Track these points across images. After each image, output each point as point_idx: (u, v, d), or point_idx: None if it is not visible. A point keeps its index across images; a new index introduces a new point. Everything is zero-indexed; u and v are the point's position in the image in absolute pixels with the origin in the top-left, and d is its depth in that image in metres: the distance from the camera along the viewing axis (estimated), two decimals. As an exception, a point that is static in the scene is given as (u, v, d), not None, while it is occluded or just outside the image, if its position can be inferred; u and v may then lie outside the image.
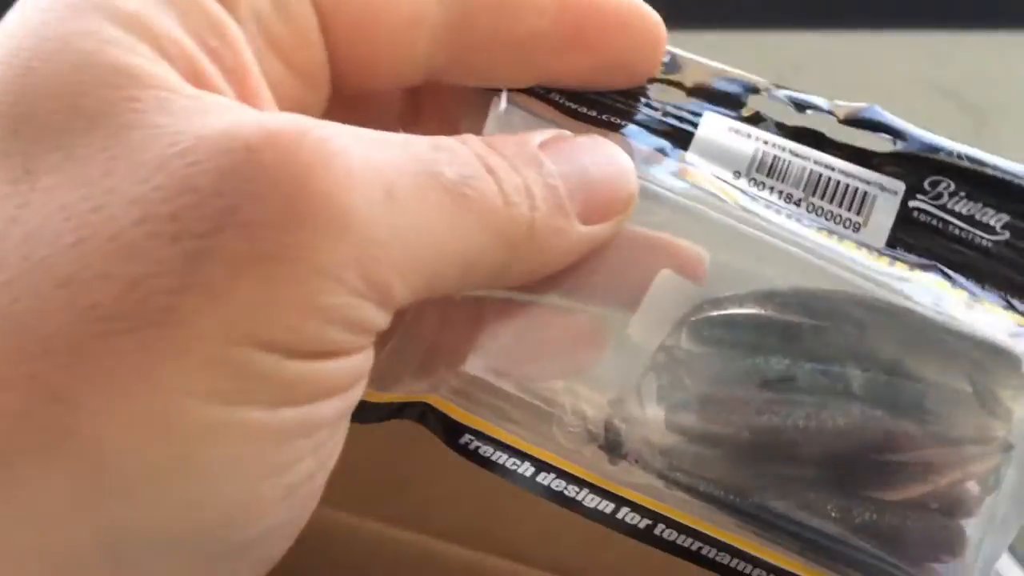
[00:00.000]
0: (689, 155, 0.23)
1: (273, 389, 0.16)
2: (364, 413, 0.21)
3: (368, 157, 0.17)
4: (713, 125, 0.24)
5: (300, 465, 0.17)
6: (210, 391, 0.15)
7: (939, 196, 0.23)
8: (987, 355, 0.22)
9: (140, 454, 0.15)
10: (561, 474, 0.22)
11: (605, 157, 0.21)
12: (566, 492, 0.22)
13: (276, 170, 0.16)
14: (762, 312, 0.22)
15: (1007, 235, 0.23)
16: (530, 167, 0.20)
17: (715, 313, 0.22)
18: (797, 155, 0.23)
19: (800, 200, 0.23)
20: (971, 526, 0.22)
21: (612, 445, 0.22)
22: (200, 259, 0.15)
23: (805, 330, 0.22)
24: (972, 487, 0.21)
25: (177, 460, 0.15)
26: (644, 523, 0.22)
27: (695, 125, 0.24)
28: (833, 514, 0.21)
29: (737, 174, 0.23)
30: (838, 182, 0.23)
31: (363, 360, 0.18)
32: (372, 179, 0.17)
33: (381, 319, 0.18)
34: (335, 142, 0.16)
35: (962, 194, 0.23)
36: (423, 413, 0.23)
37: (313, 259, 0.16)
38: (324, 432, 0.18)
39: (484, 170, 0.19)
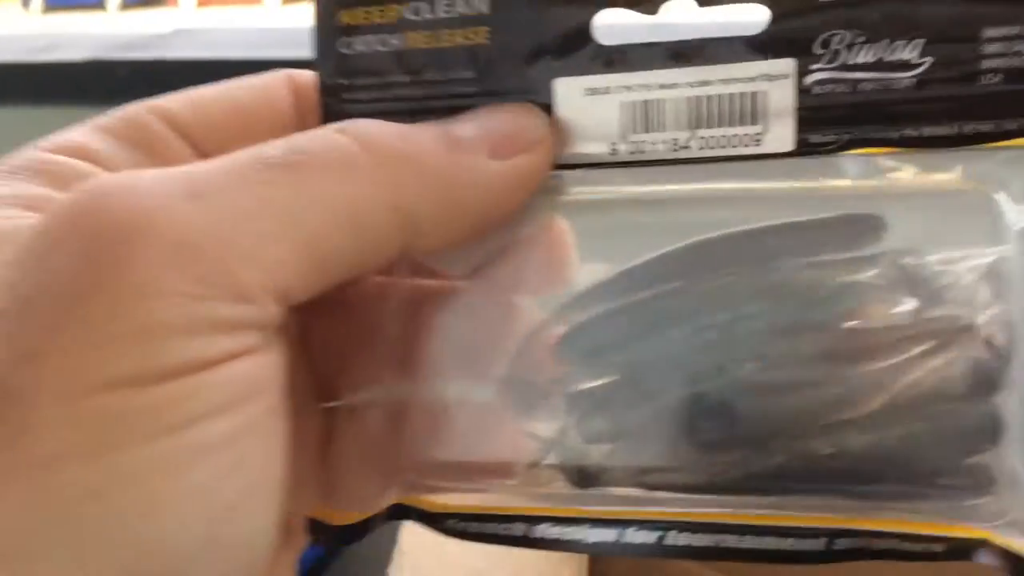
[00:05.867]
0: (556, 148, 0.21)
1: (140, 422, 0.16)
2: (344, 535, 0.22)
3: (160, 175, 0.17)
4: (569, 93, 0.21)
5: (222, 484, 0.17)
6: (78, 450, 0.16)
7: (836, 55, 0.20)
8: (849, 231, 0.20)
9: (37, 529, 0.15)
10: (556, 520, 0.21)
11: (506, 111, 0.21)
12: (563, 537, 0.21)
13: (70, 224, 0.17)
14: (611, 305, 0.21)
15: (929, 60, 0.19)
16: (413, 128, 0.20)
17: (575, 324, 0.22)
18: (666, 86, 0.21)
19: (688, 141, 0.21)
20: (1005, 405, 0.19)
21: (582, 477, 0.21)
22: (20, 332, 0.16)
23: (663, 297, 0.21)
24: (982, 360, 0.20)
25: (71, 527, 0.16)
26: (654, 536, 0.20)
27: (549, 109, 0.21)
28: (827, 449, 0.20)
29: (613, 147, 0.21)
30: (720, 99, 0.20)
31: (258, 363, 0.18)
32: (167, 190, 0.17)
33: (252, 312, 0.17)
34: (120, 179, 0.17)
35: (861, 40, 0.20)
36: (400, 512, 0.23)
37: (120, 285, 0.16)
38: (236, 448, 0.17)
39: (330, 139, 0.19)
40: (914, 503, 0.20)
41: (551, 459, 0.22)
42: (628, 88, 0.21)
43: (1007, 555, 0.19)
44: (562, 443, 0.22)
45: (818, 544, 0.20)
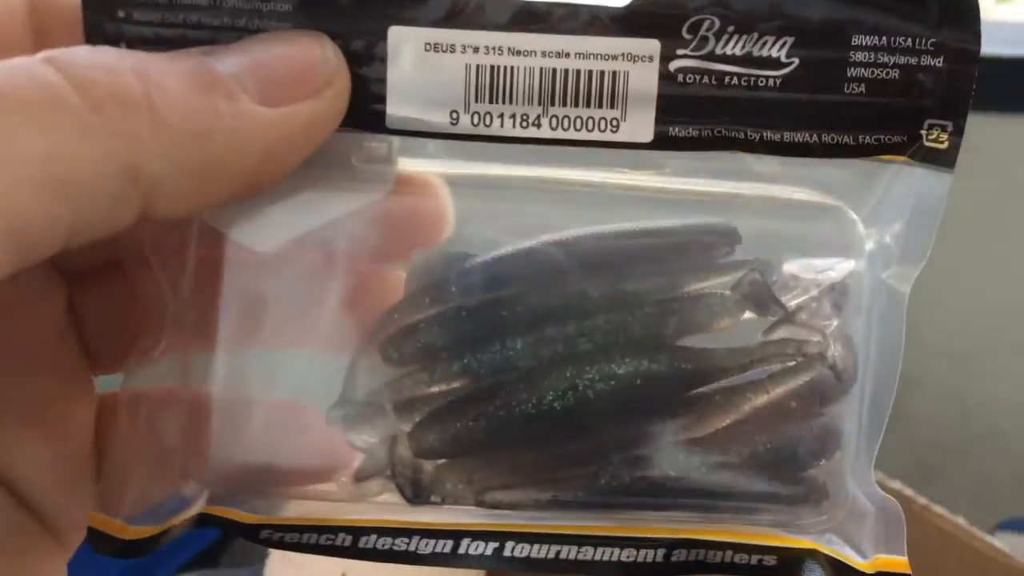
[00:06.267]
0: (391, 113, 0.18)
1: None
2: (131, 549, 0.19)
3: None
4: (404, 46, 0.18)
5: None
6: None
7: (704, 42, 0.18)
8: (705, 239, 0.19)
9: None
10: (384, 532, 0.19)
11: (288, 43, 0.17)
12: (395, 548, 0.19)
13: None
14: (445, 307, 0.19)
15: (795, 62, 0.18)
16: (159, 59, 0.16)
17: (394, 330, 0.19)
18: (520, 52, 0.18)
19: (539, 118, 0.18)
20: (841, 417, 0.20)
21: (416, 492, 0.20)
22: None
23: (504, 303, 0.19)
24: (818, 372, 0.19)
25: None
26: (491, 548, 0.19)
27: (383, 62, 0.18)
28: (671, 471, 0.19)
29: (455, 115, 0.18)
30: (577, 74, 0.18)
31: None
32: None
33: None
34: None
35: (730, 28, 0.18)
36: (202, 520, 0.20)
37: None
38: None
39: (33, 72, 0.14)
40: (751, 516, 0.20)
41: (379, 469, 0.20)
42: (475, 49, 0.18)
43: (834, 564, 0.19)
44: (392, 453, 0.20)
45: (657, 555, 0.19)
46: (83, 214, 0.14)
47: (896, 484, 0.53)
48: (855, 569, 0.19)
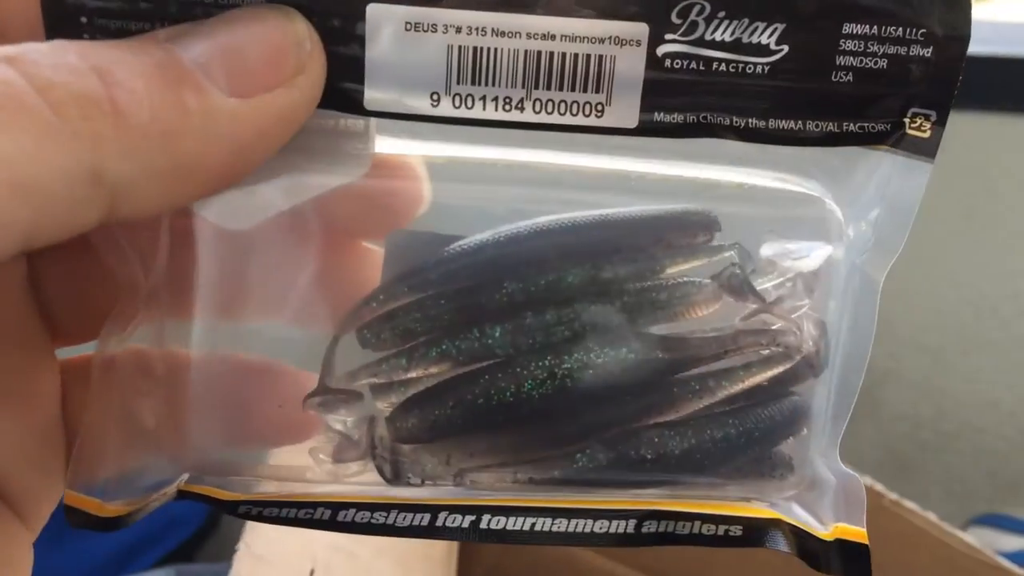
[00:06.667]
0: (369, 94, 0.17)
1: None
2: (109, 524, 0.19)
3: None
4: (383, 24, 0.17)
5: None
6: None
7: (694, 27, 0.18)
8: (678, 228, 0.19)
9: None
10: (363, 507, 0.19)
11: (258, 23, 0.16)
12: (374, 522, 0.19)
13: None
14: (423, 294, 0.19)
15: (785, 49, 0.18)
16: (122, 52, 0.15)
17: (371, 318, 0.19)
18: (504, 34, 0.18)
19: (523, 101, 0.18)
20: (811, 394, 0.20)
21: (395, 473, 0.19)
22: None
23: (483, 291, 0.19)
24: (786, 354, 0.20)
25: None
26: (468, 520, 0.19)
27: (362, 42, 0.17)
28: (647, 454, 0.19)
29: (435, 97, 0.18)
30: (563, 57, 0.18)
31: None
32: None
33: None
34: None
35: (721, 14, 0.18)
36: (180, 495, 0.20)
37: None
38: None
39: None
40: (720, 491, 0.20)
41: (358, 451, 0.20)
42: (458, 29, 0.17)
43: (796, 532, 0.20)
44: (372, 435, 0.20)
45: (628, 526, 0.19)
46: (43, 218, 0.14)
47: (867, 480, 0.53)
48: (815, 536, 0.20)
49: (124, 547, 0.69)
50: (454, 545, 0.48)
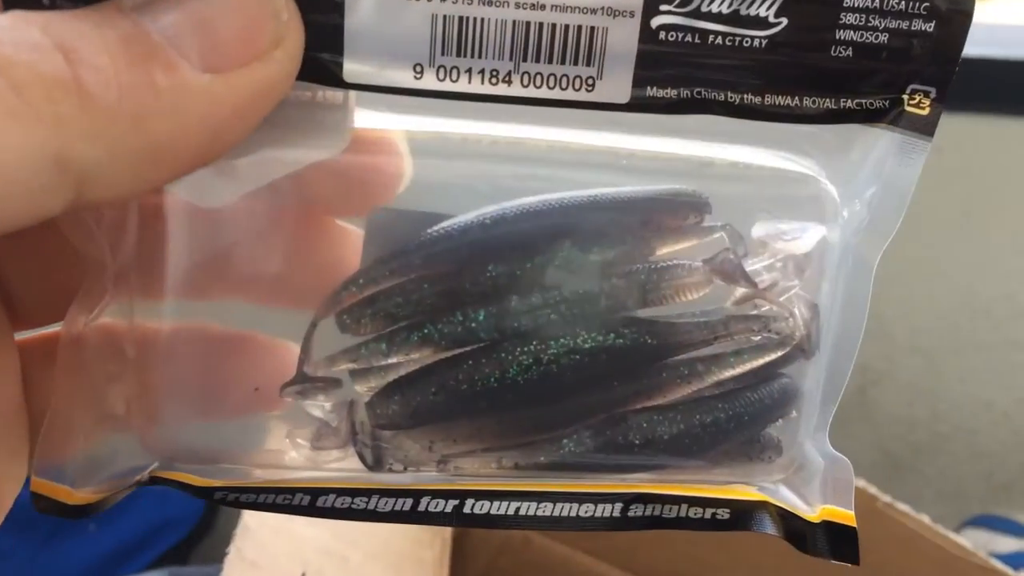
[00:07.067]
0: (348, 66, 0.17)
1: None
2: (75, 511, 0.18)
3: None
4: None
5: None
6: None
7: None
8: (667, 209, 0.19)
9: None
10: (343, 492, 0.19)
11: None
12: (355, 507, 0.19)
13: None
14: (405, 278, 0.19)
15: (784, 22, 0.17)
16: (87, 26, 0.14)
17: (351, 303, 0.19)
18: (491, 3, 0.17)
19: (510, 74, 0.17)
20: (801, 376, 0.20)
21: (376, 459, 0.19)
22: None
23: (466, 274, 0.18)
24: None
25: None
26: (451, 505, 0.19)
27: (341, 10, 0.16)
28: (636, 439, 0.19)
29: (419, 69, 0.17)
30: (553, 28, 0.17)
31: None
32: None
33: None
34: None
35: (717, -16, 0.17)
36: (152, 481, 0.19)
37: None
38: None
39: None
40: (708, 474, 0.20)
41: (337, 438, 0.19)
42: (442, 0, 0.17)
43: (783, 514, 0.19)
44: (352, 421, 0.19)
45: (614, 510, 0.19)
46: (5, 205, 0.13)
47: (860, 482, 0.53)
48: (802, 518, 0.19)
49: (117, 549, 0.69)
50: (447, 549, 0.47)
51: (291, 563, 0.36)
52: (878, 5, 0.17)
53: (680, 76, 0.17)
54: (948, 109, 0.18)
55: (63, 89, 0.13)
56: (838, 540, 0.19)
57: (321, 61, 0.17)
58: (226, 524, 0.69)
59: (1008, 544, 0.72)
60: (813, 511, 0.19)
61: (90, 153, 0.13)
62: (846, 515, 0.19)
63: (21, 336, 0.19)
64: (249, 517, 0.36)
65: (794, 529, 0.19)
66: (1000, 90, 0.72)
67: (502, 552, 0.53)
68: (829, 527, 0.19)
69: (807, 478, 0.20)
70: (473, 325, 0.18)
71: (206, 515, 0.74)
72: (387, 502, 0.18)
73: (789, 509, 0.19)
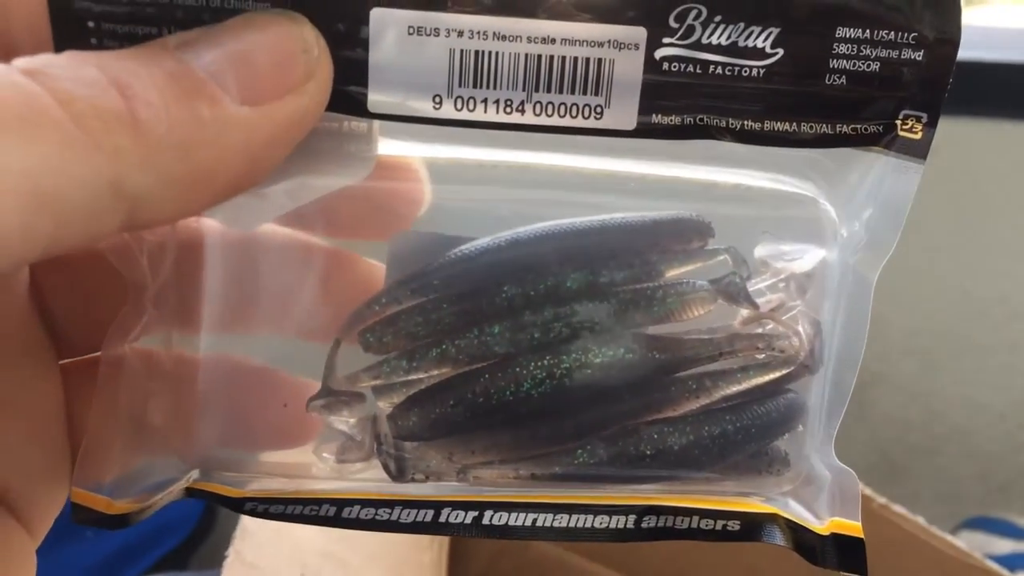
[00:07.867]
0: (372, 97, 0.18)
1: None
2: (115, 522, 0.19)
3: None
4: (386, 29, 0.18)
5: None
6: None
7: (691, 31, 0.18)
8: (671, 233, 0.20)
9: None
10: (367, 503, 0.20)
11: (266, 30, 0.17)
12: (377, 518, 0.20)
13: None
14: (425, 298, 0.20)
15: (780, 53, 0.18)
16: (137, 64, 0.15)
17: (373, 321, 0.20)
18: (505, 37, 0.18)
19: (523, 104, 0.18)
20: (807, 391, 0.21)
21: (399, 469, 0.20)
22: None
23: (484, 295, 0.20)
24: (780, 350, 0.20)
25: None
26: (471, 516, 0.19)
27: (365, 45, 0.18)
28: (647, 450, 0.20)
29: (438, 100, 0.18)
30: (563, 60, 0.18)
31: None
32: None
33: None
34: None
35: (717, 18, 0.18)
36: (188, 493, 0.20)
37: None
38: None
39: (12, 84, 0.14)
40: (718, 486, 0.21)
41: (361, 451, 0.20)
42: (459, 33, 0.18)
43: (792, 527, 0.20)
44: (375, 432, 0.20)
45: (628, 522, 0.20)
46: (64, 227, 0.14)
47: (857, 483, 0.53)
48: (811, 531, 0.20)
49: (116, 553, 0.69)
50: (444, 552, 0.48)
51: (290, 566, 0.37)
52: (869, 36, 0.18)
53: (683, 104, 0.18)
54: (944, 112, 0.19)
55: (119, 122, 0.14)
56: (847, 551, 0.20)
57: (348, 93, 0.18)
58: (224, 528, 0.69)
59: (1004, 546, 0.73)
60: (822, 523, 0.20)
61: (142, 180, 0.15)
62: (854, 527, 0.20)
63: (63, 362, 0.20)
64: (248, 520, 0.37)
65: (804, 542, 0.20)
66: (997, 93, 0.73)
67: (500, 555, 0.54)
68: (838, 539, 0.20)
69: (815, 491, 0.21)
70: (488, 338, 0.19)
71: (205, 518, 0.74)
72: (409, 513, 0.19)
73: (798, 521, 0.20)
